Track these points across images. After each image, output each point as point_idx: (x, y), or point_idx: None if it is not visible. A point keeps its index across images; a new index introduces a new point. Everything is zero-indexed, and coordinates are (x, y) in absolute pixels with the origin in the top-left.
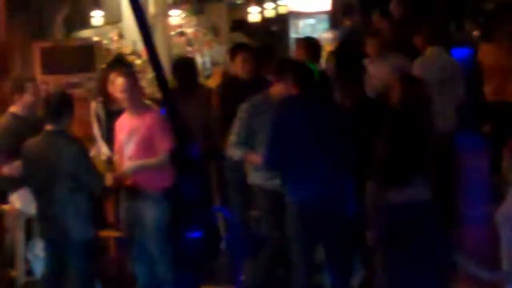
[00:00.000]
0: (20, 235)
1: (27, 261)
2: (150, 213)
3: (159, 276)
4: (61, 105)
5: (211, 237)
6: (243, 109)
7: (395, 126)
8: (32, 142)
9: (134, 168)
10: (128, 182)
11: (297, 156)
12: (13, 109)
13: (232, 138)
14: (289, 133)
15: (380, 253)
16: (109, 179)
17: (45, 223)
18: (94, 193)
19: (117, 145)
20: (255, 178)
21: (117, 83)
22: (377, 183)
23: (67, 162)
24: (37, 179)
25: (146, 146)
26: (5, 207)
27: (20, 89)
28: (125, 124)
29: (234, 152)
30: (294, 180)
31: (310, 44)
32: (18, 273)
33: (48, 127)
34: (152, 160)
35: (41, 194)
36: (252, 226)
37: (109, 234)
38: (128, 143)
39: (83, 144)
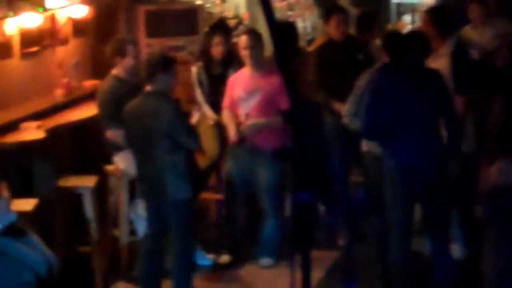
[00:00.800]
0: (123, 196)
1: (130, 221)
2: (264, 172)
3: (266, 233)
4: (160, 66)
5: (328, 200)
6: (363, 78)
7: (509, 92)
8: (132, 104)
9: (258, 125)
10: (248, 138)
11: (396, 122)
12: (115, 71)
13: (349, 107)
14: (387, 100)
15: (490, 232)
16: (232, 135)
17: (145, 183)
18: (193, 154)
19: (229, 100)
20: (367, 145)
21: (241, 41)
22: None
23: (162, 122)
24: (137, 140)
25: (268, 105)
26: (109, 168)
27: (121, 51)
28: (244, 82)
29: (349, 121)
30: (394, 145)
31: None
32: (121, 233)
33: (147, 88)
34: (276, 120)
35: (141, 155)
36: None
37: (210, 196)
38: (248, 100)
39: (179, 105)
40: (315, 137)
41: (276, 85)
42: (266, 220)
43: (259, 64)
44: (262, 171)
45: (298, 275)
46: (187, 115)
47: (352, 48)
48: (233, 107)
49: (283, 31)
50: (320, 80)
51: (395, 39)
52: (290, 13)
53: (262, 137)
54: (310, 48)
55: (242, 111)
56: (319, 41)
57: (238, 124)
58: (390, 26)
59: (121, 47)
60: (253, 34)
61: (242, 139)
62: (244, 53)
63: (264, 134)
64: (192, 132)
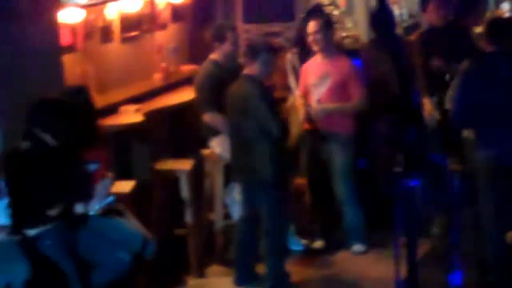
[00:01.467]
0: (218, 180)
1: (225, 205)
2: (338, 157)
3: (348, 221)
4: (256, 52)
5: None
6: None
7: None
8: (231, 88)
9: (327, 110)
10: (319, 124)
11: (488, 111)
12: (213, 56)
13: (451, 92)
14: (480, 89)
15: None
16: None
17: (238, 166)
18: (283, 139)
19: (302, 87)
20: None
21: (309, 26)
22: None
23: (250, 106)
24: (232, 123)
25: (339, 90)
26: (205, 152)
27: (221, 37)
28: (315, 68)
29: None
30: (486, 135)
31: None
32: (216, 216)
33: (246, 71)
34: (347, 105)
35: (234, 138)
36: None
37: (303, 180)
38: (319, 86)
39: (267, 90)
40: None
41: (346, 70)
42: (345, 207)
43: (328, 49)
44: (336, 157)
45: (392, 262)
46: (278, 101)
47: (453, 34)
48: (306, 94)
49: (380, 18)
50: (423, 66)
51: (499, 26)
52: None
53: (334, 122)
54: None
55: (313, 97)
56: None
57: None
58: (489, 14)
59: (220, 33)
60: (320, 20)
61: (314, 125)
62: (312, 38)
63: (337, 119)
64: (276, 117)
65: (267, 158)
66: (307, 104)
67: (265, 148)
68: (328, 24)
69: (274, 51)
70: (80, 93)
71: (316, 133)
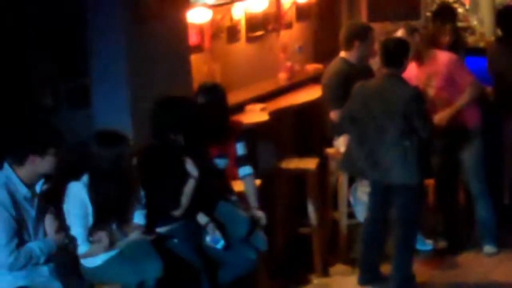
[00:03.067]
0: (343, 179)
1: (349, 204)
2: (467, 152)
3: (480, 218)
4: (400, 52)
5: None
6: None
7: None
8: (365, 85)
9: (449, 116)
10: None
11: None
12: (344, 54)
13: None
14: None
15: None
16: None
17: (372, 164)
18: (424, 140)
19: None
20: None
21: (397, 35)
22: None
23: (400, 104)
24: (366, 121)
25: (447, 86)
26: (330, 151)
27: (362, 35)
28: (416, 74)
29: None
30: None
31: None
32: (340, 215)
33: (385, 70)
34: (462, 99)
35: (372, 136)
36: None
37: (428, 181)
38: (427, 87)
39: (418, 90)
40: None
41: (447, 64)
42: (477, 204)
43: (421, 53)
44: (466, 152)
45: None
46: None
47: None
48: None
49: (507, 16)
50: None
51: None
52: None
53: (459, 117)
54: None
55: (427, 98)
56: None
57: None
58: None
59: (362, 31)
60: (402, 29)
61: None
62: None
63: (461, 114)
64: (428, 118)
65: (407, 159)
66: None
67: (406, 148)
68: (411, 31)
69: (408, 49)
70: (215, 90)
71: (443, 133)
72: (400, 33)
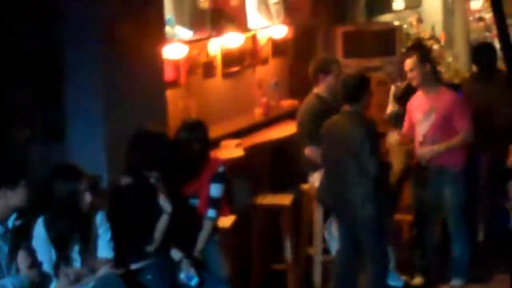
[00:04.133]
0: (318, 215)
1: (324, 240)
2: (449, 191)
3: (455, 255)
4: (358, 87)
5: None
6: None
7: None
8: (330, 122)
9: (435, 151)
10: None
11: None
12: (317, 90)
13: None
14: None
15: None
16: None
17: (335, 201)
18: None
19: (408, 125)
20: None
21: (406, 64)
22: None
23: (354, 142)
24: (330, 158)
25: (444, 124)
26: (305, 186)
27: (325, 69)
28: (419, 104)
29: None
30: None
31: None
32: (315, 251)
33: (345, 107)
34: (453, 141)
35: (332, 173)
36: None
37: (402, 217)
38: (424, 122)
39: (374, 127)
40: None
41: (451, 102)
42: (454, 242)
43: (428, 83)
44: (447, 191)
45: None
46: (380, 135)
47: None
48: (412, 130)
49: (483, 52)
50: None
51: None
52: (487, 33)
53: (443, 157)
54: None
55: (419, 133)
56: None
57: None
58: None
59: (324, 64)
60: (415, 56)
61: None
62: (411, 76)
63: (446, 154)
64: (377, 157)
65: (367, 196)
66: (412, 142)
67: (365, 185)
68: (423, 59)
69: (370, 85)
70: (198, 127)
71: (428, 168)
72: (411, 61)
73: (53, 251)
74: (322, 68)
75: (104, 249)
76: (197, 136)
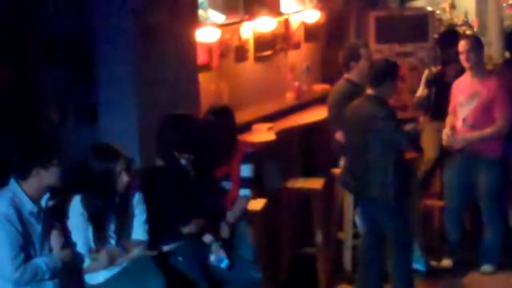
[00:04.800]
0: (348, 199)
1: (354, 224)
2: (483, 179)
3: (487, 241)
4: (382, 73)
5: None
6: None
7: None
8: (351, 105)
9: (468, 139)
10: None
11: None
12: (348, 75)
13: None
14: None
15: None
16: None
17: (358, 185)
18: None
19: (452, 106)
20: None
21: (460, 45)
22: None
23: (376, 121)
24: (352, 140)
25: (485, 110)
26: (336, 171)
27: (356, 55)
28: (465, 86)
29: None
30: None
31: None
32: (345, 235)
33: (368, 91)
34: (488, 131)
35: (354, 155)
36: None
37: (433, 203)
38: (466, 105)
39: (394, 111)
40: None
41: (495, 90)
42: (488, 228)
43: (478, 68)
44: (481, 178)
45: None
46: (408, 120)
47: None
48: (454, 112)
49: None
50: None
51: None
52: None
53: (481, 144)
54: None
55: (460, 116)
56: None
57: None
58: None
59: (355, 51)
60: (471, 38)
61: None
62: (463, 57)
63: (482, 141)
64: (404, 131)
65: (388, 178)
66: (450, 128)
67: (386, 168)
68: (479, 43)
69: (398, 72)
70: (225, 112)
71: (462, 154)
72: (467, 42)
73: (89, 230)
74: (352, 55)
75: (139, 231)
76: (224, 122)
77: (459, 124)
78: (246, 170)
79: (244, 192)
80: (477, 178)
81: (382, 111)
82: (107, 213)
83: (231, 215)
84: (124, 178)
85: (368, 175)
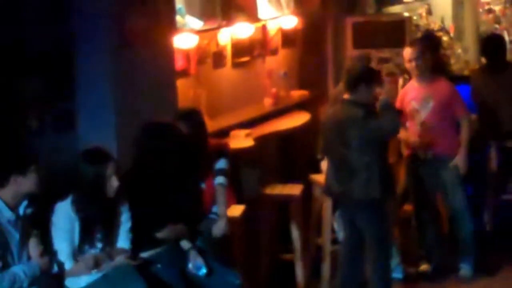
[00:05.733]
0: (327, 205)
1: (333, 230)
2: (450, 176)
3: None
4: (359, 77)
5: None
6: None
7: None
8: (329, 112)
9: (465, 156)
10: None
11: None
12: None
13: None
14: None
15: None
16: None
17: (341, 189)
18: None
19: (407, 111)
20: None
21: (405, 53)
22: None
23: (356, 121)
24: (332, 145)
25: (441, 111)
26: (314, 177)
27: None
28: (415, 92)
29: None
30: None
31: None
32: (324, 241)
33: (345, 96)
34: (465, 135)
35: (336, 161)
36: None
37: (410, 208)
38: (422, 109)
39: (373, 111)
40: None
41: (447, 91)
42: (458, 226)
43: (425, 74)
44: (447, 177)
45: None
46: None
47: None
48: (406, 120)
49: (492, 44)
50: None
51: None
52: (496, 26)
53: (442, 146)
54: None
55: (417, 121)
56: None
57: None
58: None
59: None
60: (417, 45)
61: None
62: (409, 66)
63: (444, 142)
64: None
65: (376, 175)
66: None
67: (373, 165)
68: (425, 48)
69: (376, 78)
70: (193, 115)
71: (419, 159)
72: (411, 51)
73: (76, 233)
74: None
75: (123, 239)
76: (192, 123)
77: (416, 129)
78: (221, 163)
79: (219, 180)
80: (441, 178)
81: (360, 112)
82: (96, 217)
83: (221, 209)
84: (114, 182)
85: (353, 175)
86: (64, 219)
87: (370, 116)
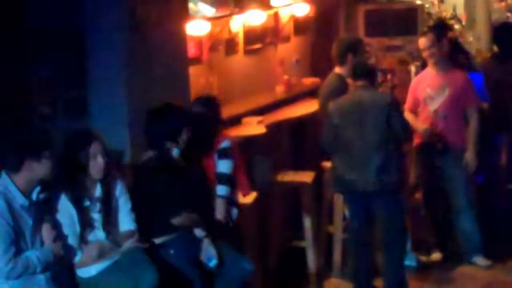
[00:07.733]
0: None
1: (345, 218)
2: (456, 169)
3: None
4: (345, 48)
5: None
6: None
7: None
8: (343, 98)
9: (475, 152)
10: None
11: None
12: (339, 70)
13: None
14: None
15: None
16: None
17: (353, 174)
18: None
19: (411, 102)
20: None
21: (420, 42)
22: None
23: (379, 110)
24: (348, 130)
25: (455, 101)
26: (326, 164)
27: (354, 50)
28: (432, 79)
29: None
30: None
31: None
32: (335, 229)
33: (359, 83)
34: (474, 127)
35: (351, 146)
36: None
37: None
38: (436, 97)
39: (394, 96)
40: None
41: (462, 81)
42: (461, 219)
43: (441, 62)
44: (452, 169)
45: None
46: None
47: None
48: (417, 107)
49: (504, 32)
50: None
51: None
52: (508, 14)
53: (451, 135)
54: None
55: (430, 108)
56: None
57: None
58: None
59: (355, 45)
60: (430, 34)
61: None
62: (425, 54)
63: (454, 132)
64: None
65: (389, 165)
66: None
67: (392, 152)
68: (439, 37)
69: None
70: (210, 103)
71: (431, 146)
72: (426, 39)
73: (77, 224)
74: (352, 48)
75: (126, 221)
76: (209, 111)
77: (428, 116)
78: (222, 166)
79: (219, 190)
80: (447, 168)
81: (385, 97)
82: (88, 198)
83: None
84: (99, 160)
85: (370, 161)
86: (63, 213)
87: (395, 106)
